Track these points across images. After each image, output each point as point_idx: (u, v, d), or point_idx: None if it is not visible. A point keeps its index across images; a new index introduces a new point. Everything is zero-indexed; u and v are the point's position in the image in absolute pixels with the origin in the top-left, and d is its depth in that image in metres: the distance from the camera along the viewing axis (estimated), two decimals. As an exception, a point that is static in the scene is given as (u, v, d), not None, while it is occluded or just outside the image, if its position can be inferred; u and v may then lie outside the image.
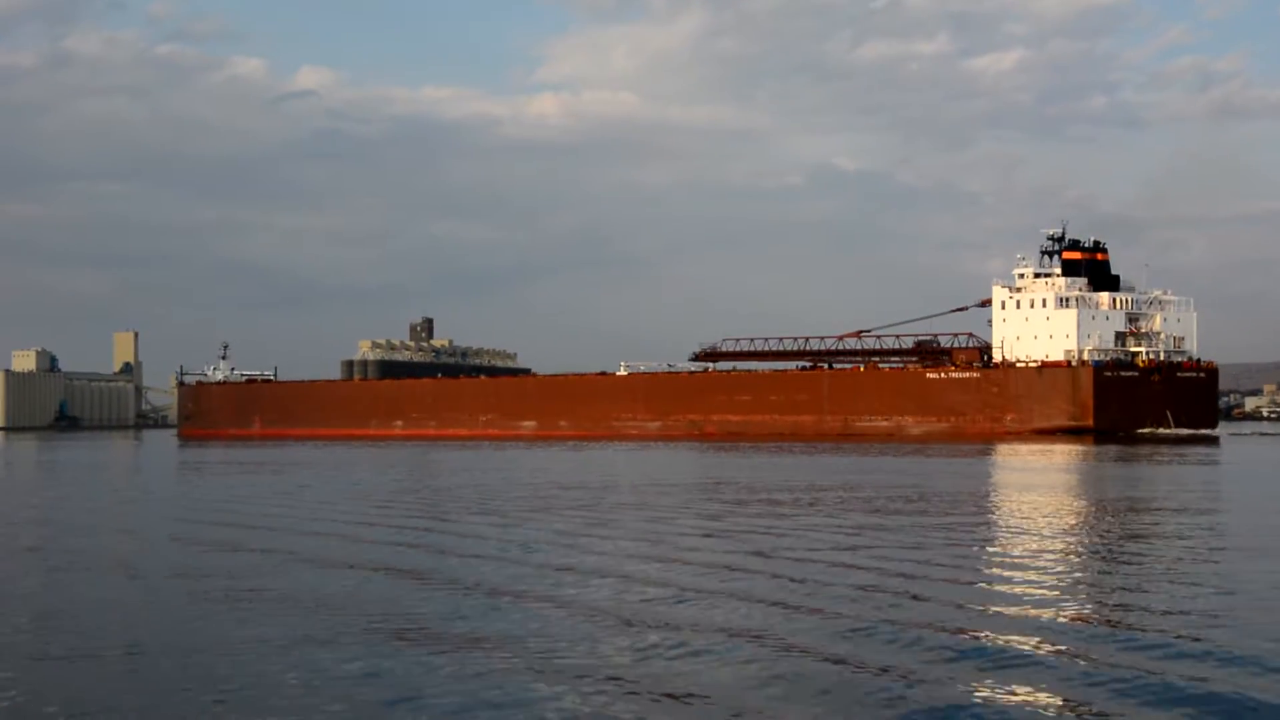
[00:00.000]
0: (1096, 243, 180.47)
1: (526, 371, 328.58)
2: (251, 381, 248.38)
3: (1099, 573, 31.52)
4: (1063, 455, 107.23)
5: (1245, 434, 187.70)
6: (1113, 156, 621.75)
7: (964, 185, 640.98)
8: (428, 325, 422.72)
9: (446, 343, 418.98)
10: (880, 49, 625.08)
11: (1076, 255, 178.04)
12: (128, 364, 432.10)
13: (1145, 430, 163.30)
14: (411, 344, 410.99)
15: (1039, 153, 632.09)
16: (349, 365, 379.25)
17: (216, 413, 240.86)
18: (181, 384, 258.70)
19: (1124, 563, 33.43)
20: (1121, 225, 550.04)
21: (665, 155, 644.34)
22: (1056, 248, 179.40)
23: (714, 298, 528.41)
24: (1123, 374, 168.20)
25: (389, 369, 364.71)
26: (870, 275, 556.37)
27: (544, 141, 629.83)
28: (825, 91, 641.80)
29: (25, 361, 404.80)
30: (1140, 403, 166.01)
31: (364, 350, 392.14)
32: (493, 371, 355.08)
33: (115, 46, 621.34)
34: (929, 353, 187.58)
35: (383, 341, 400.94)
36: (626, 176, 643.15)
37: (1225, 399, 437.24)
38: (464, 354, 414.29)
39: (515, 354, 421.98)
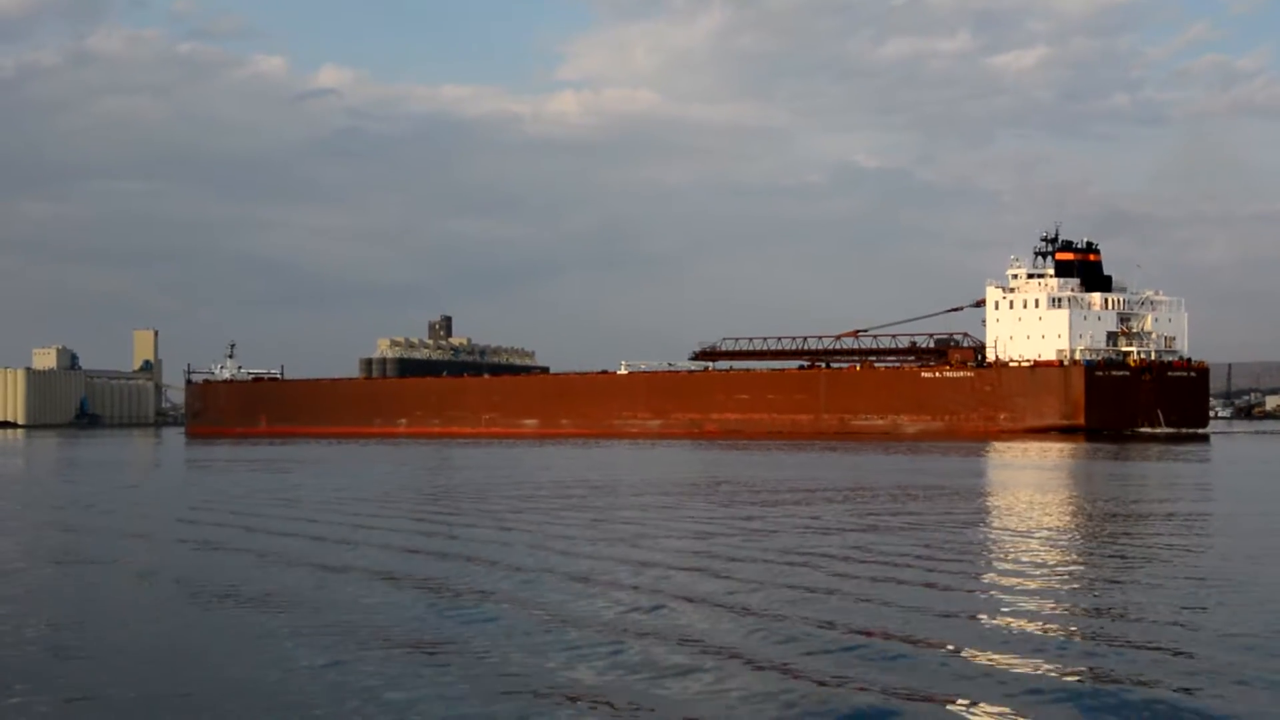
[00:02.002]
0: (1089, 243, 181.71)
1: (544, 369, 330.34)
2: (258, 380, 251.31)
3: (1090, 558, 33.71)
4: (1054, 453, 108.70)
5: (1263, 432, 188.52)
6: (1134, 154, 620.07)
7: (984, 183, 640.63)
8: (446, 323, 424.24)
9: (465, 341, 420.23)
10: (902, 47, 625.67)
11: (1069, 256, 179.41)
12: (147, 361, 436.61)
13: (1136, 429, 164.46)
14: (430, 342, 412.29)
15: (1059, 150, 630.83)
16: (368, 363, 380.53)
17: (223, 411, 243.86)
18: (189, 382, 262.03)
19: (1110, 548, 35.78)
20: (1142, 223, 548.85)
21: (685, 153, 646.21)
22: (1050, 249, 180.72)
23: (733, 296, 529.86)
24: (1114, 373, 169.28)
25: (407, 367, 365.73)
26: (890, 273, 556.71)
27: (564, 139, 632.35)
28: (846, 89, 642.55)
29: (46, 359, 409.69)
30: (1131, 402, 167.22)
31: (382, 348, 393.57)
32: (511, 370, 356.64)
33: (137, 45, 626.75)
34: (924, 352, 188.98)
35: (401, 339, 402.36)
36: (646, 174, 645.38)
37: (1246, 397, 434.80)
38: (482, 352, 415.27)
39: (533, 352, 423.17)
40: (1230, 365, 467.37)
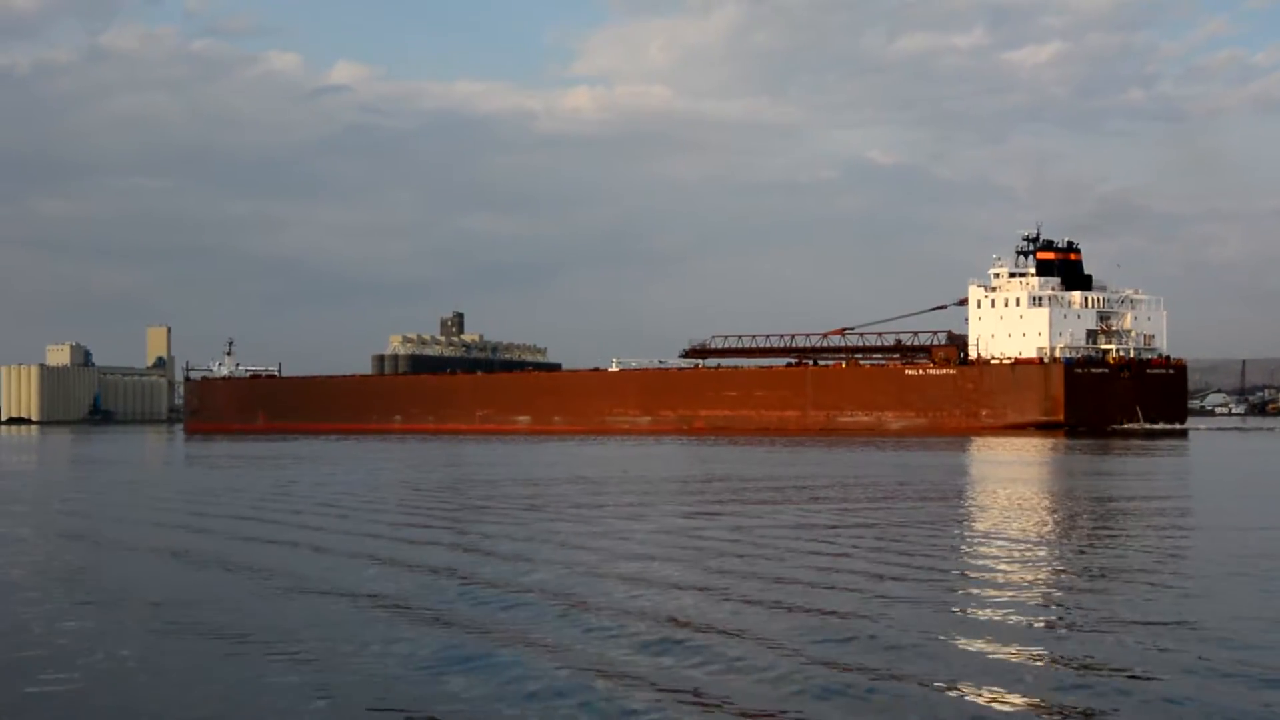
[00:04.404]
0: (1070, 243, 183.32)
1: (555, 366, 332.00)
2: (256, 377, 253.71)
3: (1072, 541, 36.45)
4: (1035, 449, 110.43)
5: (1270, 429, 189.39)
6: (1149, 150, 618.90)
7: (998, 179, 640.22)
8: (458, 320, 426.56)
9: (477, 337, 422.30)
10: (916, 42, 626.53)
11: (1050, 255, 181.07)
12: (161, 358, 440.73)
13: (1115, 426, 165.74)
14: (442, 338, 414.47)
15: (1074, 146, 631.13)
16: (380, 360, 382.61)
17: (221, 408, 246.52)
18: (187, 379, 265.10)
19: (1094, 532, 38.64)
20: (1157, 219, 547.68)
21: (699, 149, 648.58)
22: (1031, 248, 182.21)
23: (743, 292, 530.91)
24: (1093, 371, 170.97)
25: (419, 363, 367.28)
26: (904, 269, 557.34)
27: (578, 135, 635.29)
28: (860, 85, 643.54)
29: (60, 356, 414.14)
30: (1111, 398, 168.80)
31: (394, 345, 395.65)
32: (521, 366, 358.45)
33: (151, 42, 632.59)
34: (908, 350, 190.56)
35: (413, 336, 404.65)
36: (660, 170, 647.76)
37: (1260, 393, 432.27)
38: (494, 349, 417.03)
39: (545, 349, 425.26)
40: (1244, 362, 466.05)
